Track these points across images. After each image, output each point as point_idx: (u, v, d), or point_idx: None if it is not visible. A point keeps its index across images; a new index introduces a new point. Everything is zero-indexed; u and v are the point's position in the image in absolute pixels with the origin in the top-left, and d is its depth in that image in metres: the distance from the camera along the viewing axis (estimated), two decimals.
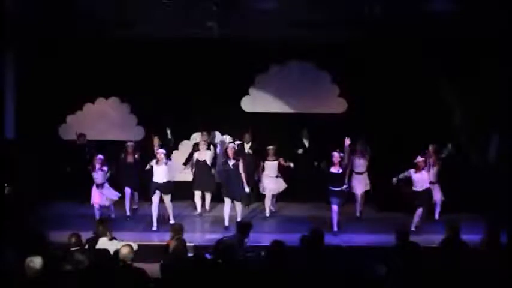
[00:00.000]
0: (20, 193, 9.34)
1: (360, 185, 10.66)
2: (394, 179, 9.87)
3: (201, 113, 11.66)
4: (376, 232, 9.70)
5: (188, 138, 12.02)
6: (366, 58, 11.32)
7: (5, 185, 8.90)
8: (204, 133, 11.08)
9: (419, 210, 9.78)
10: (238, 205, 10.04)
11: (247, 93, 12.13)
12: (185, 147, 11.88)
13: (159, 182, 9.91)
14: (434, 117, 11.14)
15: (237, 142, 10.56)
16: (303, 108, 12.04)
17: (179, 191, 10.76)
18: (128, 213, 10.72)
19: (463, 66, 11.02)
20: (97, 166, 10.05)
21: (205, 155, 10.75)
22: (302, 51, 11.72)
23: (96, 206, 10.08)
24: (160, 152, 9.92)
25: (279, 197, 11.18)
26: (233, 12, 9.61)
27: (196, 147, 10.95)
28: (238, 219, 9.80)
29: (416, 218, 9.77)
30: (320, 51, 11.59)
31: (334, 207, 9.74)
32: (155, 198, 9.94)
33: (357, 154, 10.57)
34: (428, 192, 9.86)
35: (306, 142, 11.67)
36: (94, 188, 10.12)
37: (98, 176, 10.06)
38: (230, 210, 10.01)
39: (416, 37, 10.60)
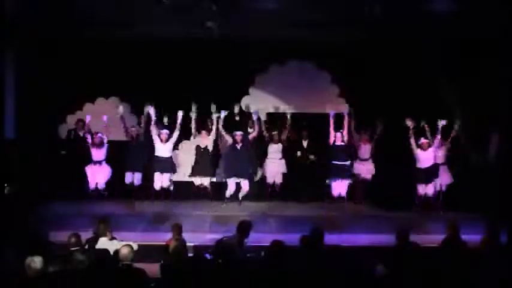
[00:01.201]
0: (20, 193, 9.34)
1: (364, 169, 10.70)
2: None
3: (201, 113, 11.64)
4: (376, 232, 9.69)
5: (188, 138, 12.00)
6: (366, 58, 11.32)
7: (5, 185, 8.91)
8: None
9: (419, 187, 9.97)
10: (245, 184, 10.06)
11: (247, 93, 12.13)
12: (185, 147, 11.88)
13: (163, 156, 9.97)
14: (434, 117, 11.13)
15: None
16: (303, 108, 12.05)
17: (179, 191, 10.77)
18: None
19: (463, 66, 11.02)
20: (97, 142, 10.08)
21: (207, 141, 10.77)
22: (302, 51, 11.72)
23: (92, 185, 10.15)
24: (164, 133, 10.14)
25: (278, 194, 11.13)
26: (233, 12, 9.61)
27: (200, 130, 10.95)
28: (241, 197, 9.99)
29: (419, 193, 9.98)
30: (320, 51, 11.58)
31: (334, 184, 9.77)
32: (158, 177, 10.05)
33: (363, 140, 10.63)
34: (431, 171, 9.92)
35: (304, 143, 11.68)
36: (90, 166, 10.16)
37: (97, 152, 10.05)
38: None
39: (416, 37, 10.60)
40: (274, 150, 10.91)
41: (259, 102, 12.06)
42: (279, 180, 11.13)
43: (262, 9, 9.53)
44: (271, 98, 12.07)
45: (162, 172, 10.14)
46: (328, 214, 10.01)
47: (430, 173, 10.15)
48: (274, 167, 10.97)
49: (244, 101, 12.06)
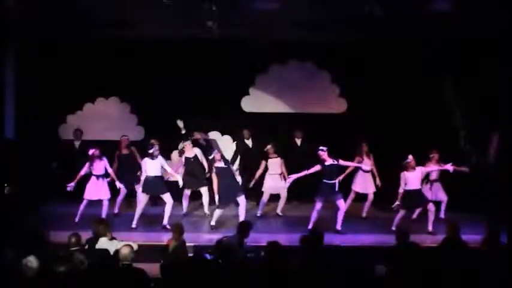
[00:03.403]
0: (20, 193, 9.33)
1: (368, 183, 10.60)
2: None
3: (201, 113, 11.66)
4: (376, 232, 9.70)
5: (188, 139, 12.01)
6: (366, 58, 11.34)
7: (5, 185, 8.91)
8: (196, 133, 11.21)
9: (402, 212, 9.55)
10: (242, 204, 9.71)
11: (247, 93, 12.14)
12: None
13: (155, 175, 9.72)
14: (434, 117, 11.14)
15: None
16: (303, 108, 12.05)
17: (179, 191, 10.76)
18: (116, 210, 10.65)
19: (463, 66, 11.03)
20: (95, 158, 9.83)
21: (193, 152, 10.58)
22: (302, 51, 11.73)
23: (85, 201, 9.83)
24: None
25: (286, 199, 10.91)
26: (233, 12, 9.61)
27: (182, 151, 10.74)
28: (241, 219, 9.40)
29: (397, 219, 9.53)
30: (320, 51, 11.60)
31: (318, 204, 9.57)
32: (144, 197, 9.79)
33: (364, 153, 10.56)
34: (417, 194, 9.60)
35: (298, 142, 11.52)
36: (93, 180, 9.88)
37: (97, 166, 9.90)
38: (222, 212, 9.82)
39: (416, 37, 10.60)
40: (273, 164, 10.56)
41: (259, 103, 12.09)
42: (283, 194, 10.66)
43: (262, 9, 9.53)
44: (271, 98, 12.08)
45: (151, 193, 9.83)
46: (329, 215, 9.99)
47: (417, 199, 9.61)
48: (273, 181, 10.59)
49: (243, 103, 12.07)
